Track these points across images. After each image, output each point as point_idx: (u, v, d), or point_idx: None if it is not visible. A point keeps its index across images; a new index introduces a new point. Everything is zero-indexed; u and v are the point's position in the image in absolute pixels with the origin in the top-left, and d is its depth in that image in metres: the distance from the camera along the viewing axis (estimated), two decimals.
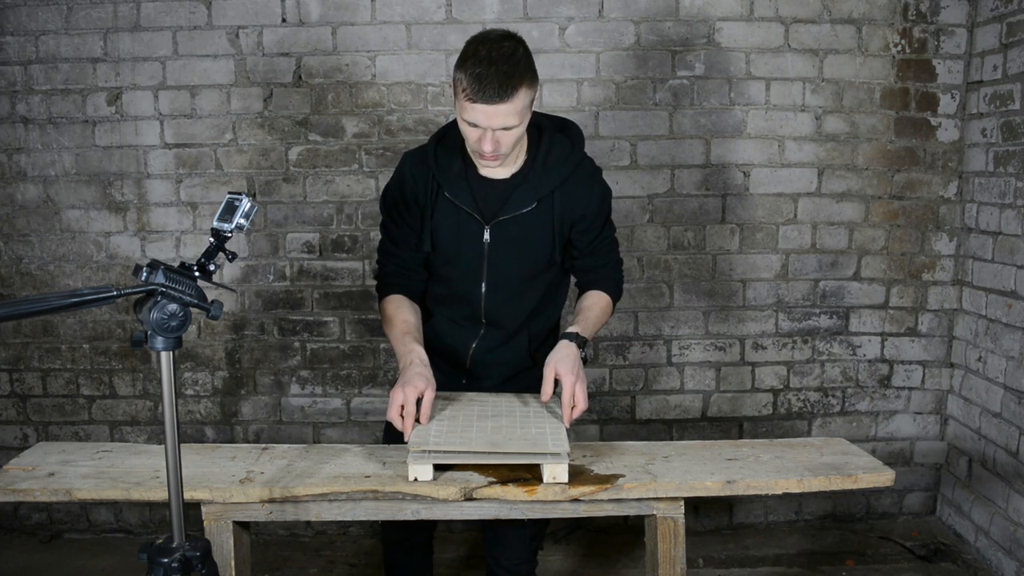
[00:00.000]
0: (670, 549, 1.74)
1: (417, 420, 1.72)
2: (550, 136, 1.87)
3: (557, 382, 1.79)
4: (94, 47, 2.89)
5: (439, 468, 1.70)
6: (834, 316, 3.09)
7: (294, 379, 3.07)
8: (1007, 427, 2.74)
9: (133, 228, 3.00)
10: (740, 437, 3.13)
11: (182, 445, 1.45)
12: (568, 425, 1.74)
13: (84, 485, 1.66)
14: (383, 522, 2.19)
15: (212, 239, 1.43)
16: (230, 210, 1.44)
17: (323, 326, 3.05)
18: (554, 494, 1.65)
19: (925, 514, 3.22)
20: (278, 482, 1.67)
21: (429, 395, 1.72)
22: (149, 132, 2.94)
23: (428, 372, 1.75)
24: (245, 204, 1.44)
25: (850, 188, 3.02)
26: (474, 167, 1.85)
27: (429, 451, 1.64)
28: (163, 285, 1.29)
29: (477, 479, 1.67)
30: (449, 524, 3.05)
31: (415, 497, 1.65)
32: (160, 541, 1.40)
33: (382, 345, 3.04)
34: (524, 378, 2.02)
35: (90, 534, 3.14)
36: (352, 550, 3.00)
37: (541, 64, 2.87)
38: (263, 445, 1.91)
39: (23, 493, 1.65)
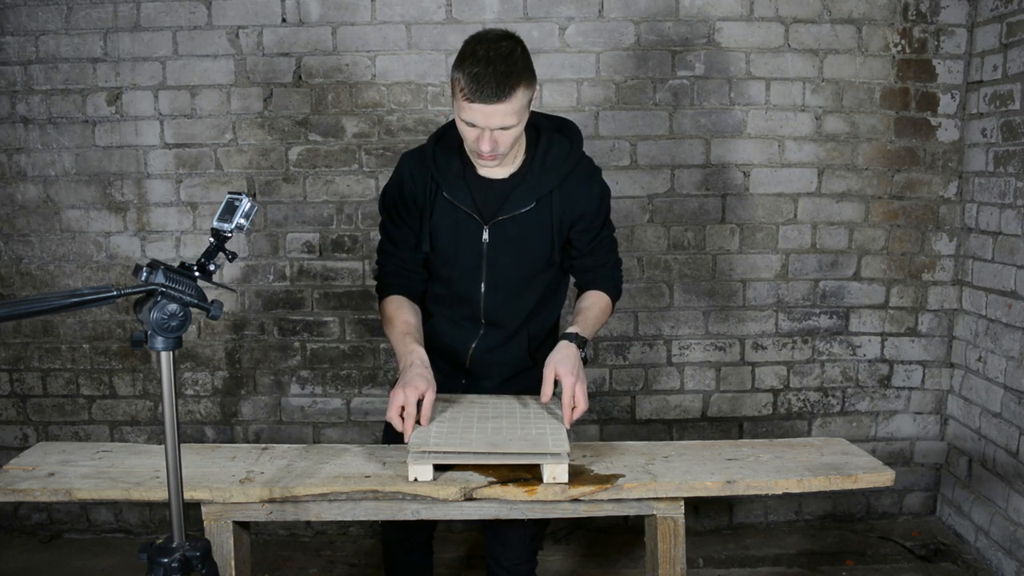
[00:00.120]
0: (670, 549, 1.74)
1: (417, 422, 1.71)
2: (548, 136, 1.87)
3: (557, 383, 1.79)
4: (94, 47, 2.89)
5: (439, 468, 1.70)
6: (834, 316, 3.09)
7: (294, 379, 3.07)
8: (1007, 427, 2.74)
9: (133, 228, 3.00)
10: (740, 437, 3.13)
11: (182, 445, 1.45)
12: (568, 426, 1.73)
13: (84, 485, 1.66)
14: (383, 522, 2.19)
15: (212, 239, 1.43)
16: (230, 210, 1.44)
17: (323, 326, 3.05)
18: (554, 494, 1.65)
19: (925, 514, 3.22)
20: (278, 482, 1.67)
21: (430, 396, 1.72)
22: (149, 132, 2.94)
23: (429, 373, 1.75)
24: (245, 204, 1.44)
25: (850, 188, 3.02)
26: (473, 167, 1.84)
27: (429, 451, 1.64)
28: (163, 285, 1.29)
29: (477, 479, 1.67)
30: (449, 524, 3.05)
31: (415, 497, 1.65)
32: (160, 541, 1.40)
33: (382, 345, 3.04)
34: (524, 378, 2.02)
35: (90, 534, 3.14)
36: (352, 550, 3.00)
37: (541, 64, 2.88)
38: (263, 445, 1.91)
39: (23, 493, 1.65)
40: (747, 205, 3.01)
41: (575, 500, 1.67)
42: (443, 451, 1.65)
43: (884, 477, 1.75)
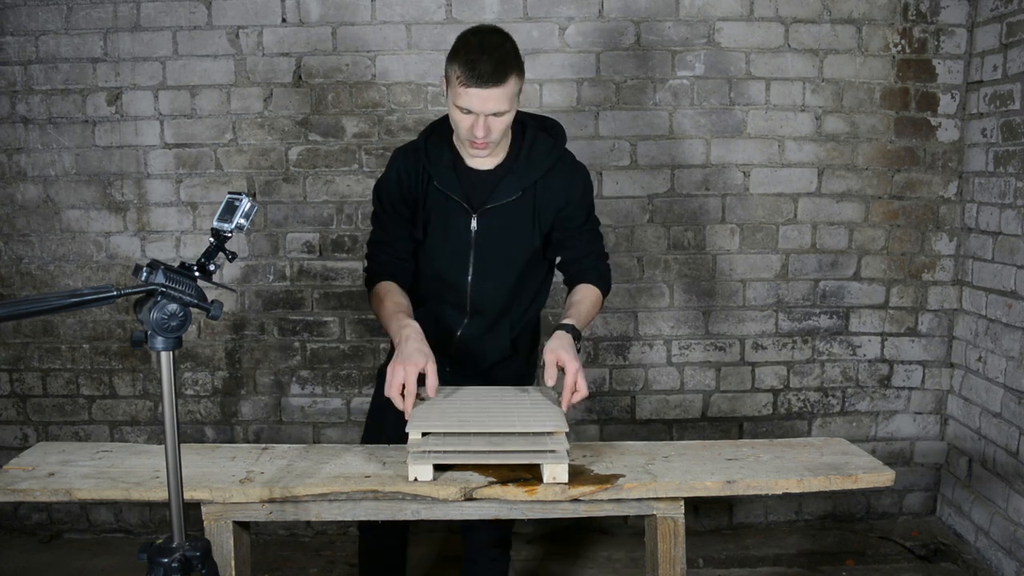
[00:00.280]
0: (670, 549, 1.74)
1: (419, 398, 1.71)
2: (533, 132, 1.95)
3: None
4: (94, 47, 2.89)
5: (439, 468, 1.70)
6: (834, 316, 3.09)
7: (294, 379, 3.07)
8: (1007, 427, 2.74)
9: (133, 228, 3.00)
10: (740, 437, 3.13)
11: (182, 445, 1.45)
12: (565, 409, 1.74)
13: (84, 485, 1.66)
14: (359, 522, 2.23)
15: (212, 239, 1.43)
16: (230, 210, 1.44)
17: (323, 326, 3.05)
18: (554, 494, 1.65)
19: (925, 514, 3.22)
20: (278, 482, 1.67)
21: (431, 369, 1.71)
22: (149, 132, 2.94)
23: (426, 347, 1.73)
24: (245, 204, 1.44)
25: (850, 188, 3.02)
26: (462, 159, 1.93)
27: (429, 451, 1.64)
28: (163, 285, 1.29)
29: (477, 479, 1.67)
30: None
31: (415, 497, 1.65)
32: (160, 541, 1.40)
33: (382, 345, 3.04)
34: (506, 367, 2.10)
35: (90, 534, 3.14)
36: (352, 550, 2.99)
37: (541, 64, 2.90)
38: (263, 445, 1.91)
39: (23, 493, 1.65)
40: (747, 205, 3.01)
41: (575, 500, 1.67)
42: (443, 451, 1.65)
43: (884, 477, 1.75)
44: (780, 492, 1.74)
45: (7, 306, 1.19)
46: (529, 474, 1.69)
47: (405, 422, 1.67)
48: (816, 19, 2.91)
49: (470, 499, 1.64)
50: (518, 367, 2.14)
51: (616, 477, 1.70)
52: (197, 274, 1.37)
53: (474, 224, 1.91)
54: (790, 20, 2.91)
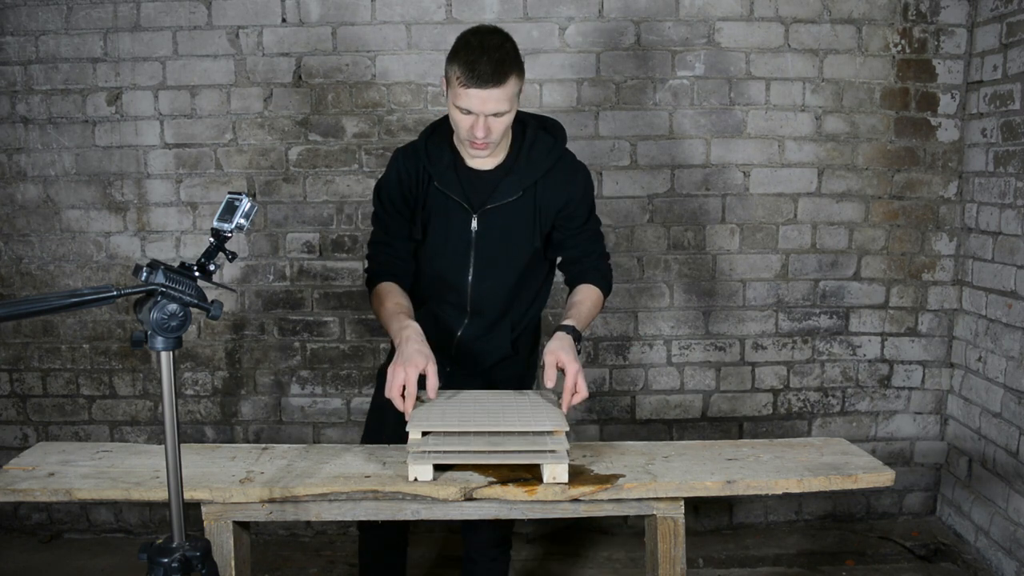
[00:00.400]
0: (670, 549, 1.74)
1: (419, 399, 1.72)
2: (533, 131, 1.94)
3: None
4: (94, 47, 2.89)
5: (439, 468, 1.70)
6: (834, 316, 3.09)
7: (294, 379, 3.07)
8: (1007, 427, 2.74)
9: (133, 228, 3.00)
10: (740, 437, 3.13)
11: (182, 445, 1.45)
12: (565, 411, 1.74)
13: (84, 485, 1.66)
14: (359, 522, 2.22)
15: (212, 239, 1.43)
16: (230, 210, 1.44)
17: (323, 326, 3.05)
18: (554, 494, 1.65)
19: (925, 514, 3.22)
20: (278, 482, 1.67)
21: (432, 370, 1.71)
22: (149, 132, 2.94)
23: (427, 348, 1.74)
24: (245, 204, 1.44)
25: (850, 188, 3.02)
26: (463, 159, 1.93)
27: (429, 451, 1.65)
28: (163, 285, 1.29)
29: (477, 479, 1.67)
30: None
31: (415, 497, 1.65)
32: (160, 541, 1.40)
33: (382, 345, 3.04)
34: (507, 367, 2.10)
35: (90, 534, 3.14)
36: (352, 550, 2.99)
37: (541, 64, 2.90)
38: (263, 445, 1.91)
39: (23, 493, 1.65)
40: (747, 205, 3.01)
41: (575, 500, 1.67)
42: (443, 451, 1.65)
43: (884, 477, 1.75)
44: (780, 492, 1.74)
45: (7, 306, 1.19)
46: (529, 474, 1.69)
47: (405, 422, 1.67)
48: (816, 19, 2.91)
49: (470, 499, 1.64)
50: (518, 367, 2.14)
51: (616, 477, 1.70)
52: (197, 274, 1.38)
53: (474, 224, 1.91)
54: (790, 20, 2.91)
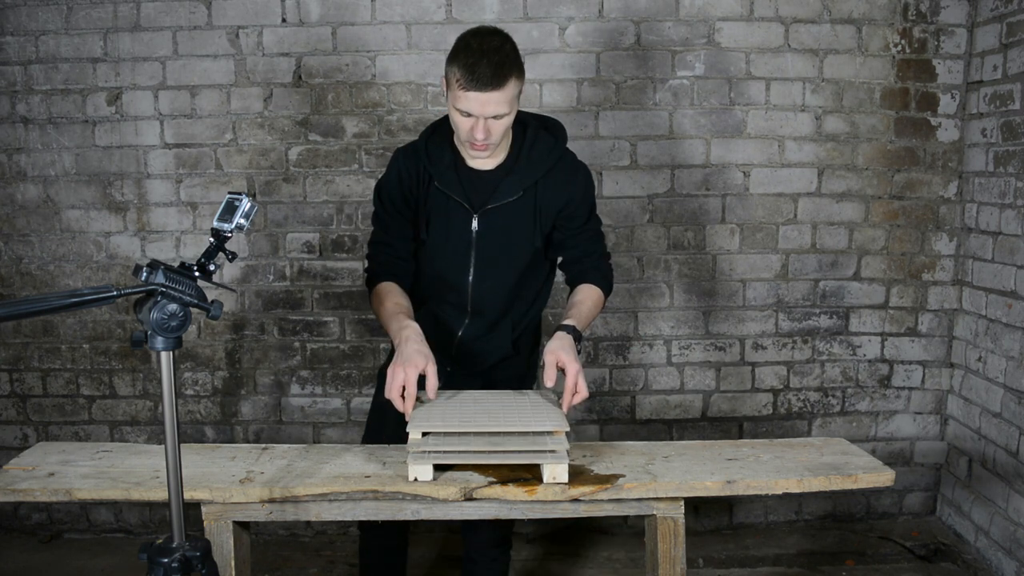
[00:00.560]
0: (670, 549, 1.74)
1: (419, 400, 1.72)
2: (534, 131, 1.94)
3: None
4: (94, 47, 2.89)
5: (439, 468, 1.70)
6: (834, 316, 3.09)
7: (294, 379, 3.07)
8: (1007, 427, 2.74)
9: (133, 228, 3.00)
10: (740, 437, 3.13)
11: (182, 445, 1.45)
12: (566, 411, 1.74)
13: (84, 485, 1.66)
14: (359, 522, 2.22)
15: (212, 239, 1.43)
16: (230, 210, 1.44)
17: (323, 326, 3.05)
18: (554, 494, 1.65)
19: (925, 514, 3.22)
20: (278, 482, 1.67)
21: (431, 370, 1.71)
22: (149, 132, 2.94)
23: (426, 348, 1.74)
24: (245, 204, 1.44)
25: (850, 188, 3.02)
26: (463, 159, 1.92)
27: (429, 451, 1.65)
28: (163, 285, 1.29)
29: (477, 479, 1.67)
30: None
31: (415, 497, 1.65)
32: (160, 541, 1.40)
33: (382, 345, 3.04)
34: (507, 367, 2.10)
35: (90, 534, 3.14)
36: (352, 550, 2.99)
37: (541, 64, 2.90)
38: (263, 445, 1.91)
39: (23, 493, 1.65)
40: (747, 205, 3.02)
41: (575, 500, 1.67)
42: (443, 451, 1.65)
43: (884, 477, 1.75)
44: (780, 492, 1.74)
45: (7, 306, 1.19)
46: (529, 474, 1.69)
47: (406, 423, 1.67)
48: (816, 19, 2.91)
49: (470, 499, 1.64)
50: (519, 367, 2.13)
51: (616, 477, 1.70)
52: (197, 274, 1.38)
53: (475, 224, 1.91)
54: (790, 20, 2.91)
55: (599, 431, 3.12)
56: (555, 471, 1.65)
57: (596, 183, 2.90)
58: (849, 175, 3.01)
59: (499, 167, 1.92)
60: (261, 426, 3.10)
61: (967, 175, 2.98)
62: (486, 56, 1.69)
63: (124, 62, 2.90)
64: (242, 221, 1.44)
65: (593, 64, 2.92)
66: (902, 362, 3.13)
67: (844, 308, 3.09)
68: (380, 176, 2.04)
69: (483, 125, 1.75)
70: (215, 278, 1.41)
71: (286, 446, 1.90)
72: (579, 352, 1.81)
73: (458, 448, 1.65)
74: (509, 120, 1.79)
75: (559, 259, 2.07)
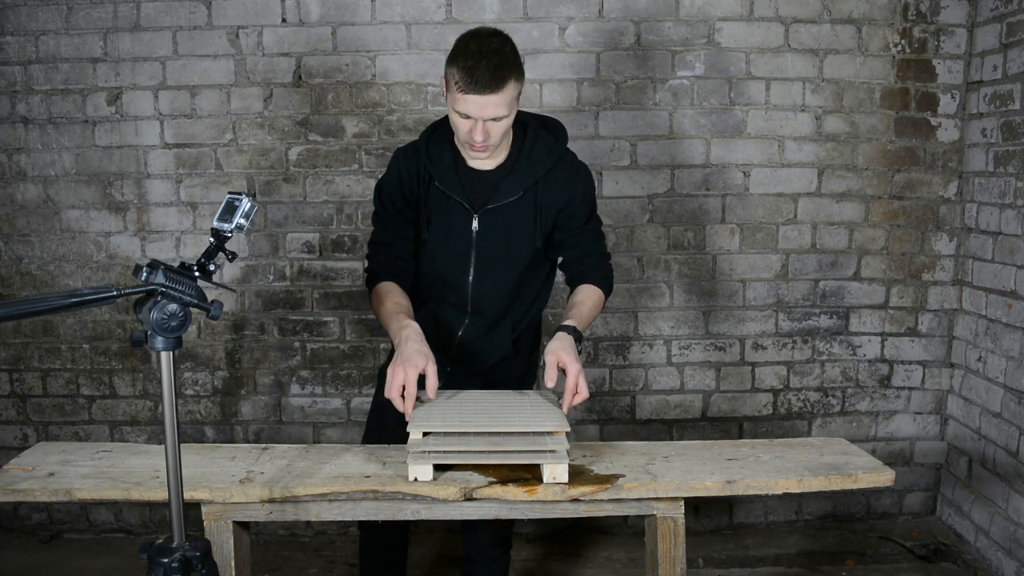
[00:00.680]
0: (670, 549, 1.74)
1: (419, 400, 1.72)
2: (535, 131, 1.94)
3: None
4: (94, 47, 2.89)
5: (439, 468, 1.70)
6: (834, 316, 3.09)
7: (294, 379, 3.07)
8: (1007, 427, 2.74)
9: (133, 228, 3.00)
10: (740, 437, 3.13)
11: (182, 445, 1.45)
12: (566, 411, 1.74)
13: (84, 485, 1.66)
14: (360, 522, 2.23)
15: (212, 239, 1.43)
16: (230, 210, 1.44)
17: (323, 326, 3.05)
18: (554, 494, 1.65)
19: (925, 514, 3.22)
20: (278, 482, 1.67)
21: (431, 370, 1.71)
22: (149, 132, 2.94)
23: (426, 347, 1.74)
24: (245, 204, 1.44)
25: (850, 188, 3.02)
26: (463, 159, 1.92)
27: (429, 451, 1.65)
28: (163, 285, 1.29)
29: (477, 479, 1.67)
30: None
31: (415, 497, 1.65)
32: (160, 541, 1.40)
33: (382, 345, 3.04)
34: (507, 367, 2.10)
35: (90, 534, 3.14)
36: (352, 550, 3.00)
37: (541, 64, 2.90)
38: (263, 445, 1.91)
39: (23, 493, 1.65)
40: (747, 205, 3.02)
41: (575, 500, 1.67)
42: (443, 451, 1.65)
43: (884, 477, 1.75)
44: (780, 492, 1.74)
45: (7, 306, 1.19)
46: (529, 474, 1.69)
47: (406, 423, 1.67)
48: (816, 19, 2.91)
49: (470, 499, 1.64)
50: (519, 367, 2.13)
51: (616, 477, 1.70)
52: (197, 274, 1.38)
53: (475, 224, 1.91)
54: (790, 20, 2.91)
55: (599, 431, 3.12)
56: (555, 471, 1.65)
57: (596, 183, 2.90)
58: (849, 175, 3.01)
59: (499, 167, 1.92)
60: (261, 426, 3.10)
61: (967, 175, 2.98)
62: (485, 58, 1.69)
63: (124, 62, 2.90)
64: (242, 221, 1.44)
65: (593, 64, 2.91)
66: (902, 362, 3.13)
67: (844, 308, 3.09)
68: (380, 176, 2.04)
69: (482, 127, 1.76)
70: (215, 278, 1.41)
71: (286, 446, 1.90)
72: (579, 352, 1.81)
73: (458, 448, 1.65)
74: (508, 122, 1.79)
75: (559, 259, 2.07)
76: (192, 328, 3.00)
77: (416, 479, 1.65)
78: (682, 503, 1.73)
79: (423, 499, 1.65)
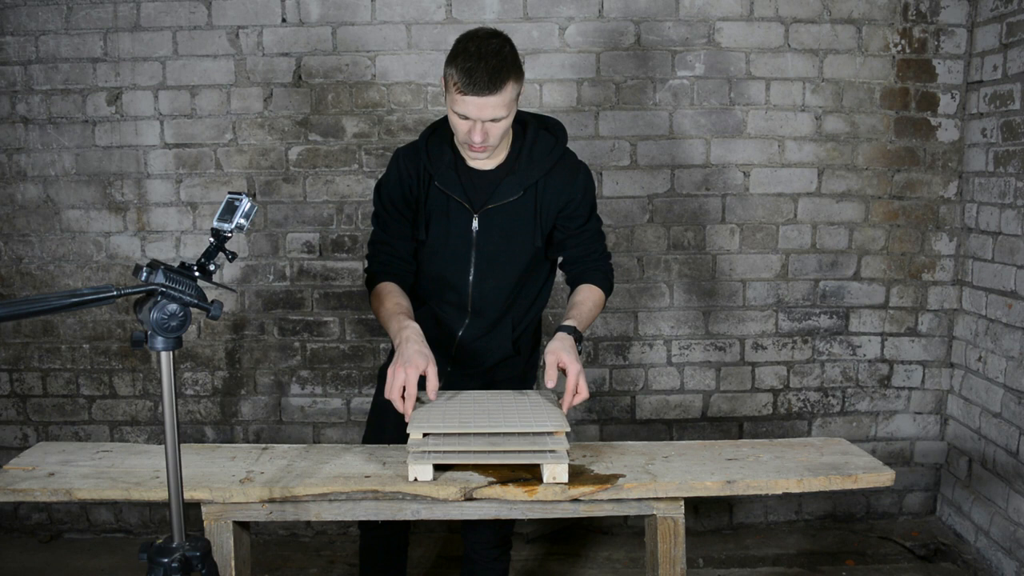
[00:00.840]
0: (670, 549, 1.74)
1: (419, 400, 1.72)
2: (534, 131, 1.94)
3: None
4: (94, 47, 2.90)
5: (439, 468, 1.70)
6: (834, 316, 3.09)
7: (294, 379, 3.07)
8: (1007, 427, 2.74)
9: (133, 228, 3.00)
10: (740, 437, 3.13)
11: (182, 445, 1.45)
12: (566, 411, 1.74)
13: (84, 485, 1.66)
14: (360, 522, 2.23)
15: (212, 239, 1.43)
16: (230, 210, 1.44)
17: (323, 326, 3.05)
18: (554, 494, 1.65)
19: (925, 514, 3.22)
20: (278, 482, 1.67)
21: (432, 370, 1.71)
22: (149, 132, 2.94)
23: (426, 348, 1.74)
24: (245, 204, 1.44)
25: (850, 188, 3.02)
26: (463, 159, 1.92)
27: (429, 451, 1.65)
28: (163, 285, 1.29)
29: (477, 479, 1.67)
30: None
31: (415, 497, 1.65)
32: (160, 541, 1.40)
33: (382, 345, 3.04)
34: (507, 367, 2.10)
35: (90, 534, 3.14)
36: (352, 550, 3.00)
37: (541, 64, 2.90)
38: (263, 445, 1.91)
39: (23, 493, 1.65)
40: (747, 205, 3.02)
41: (575, 500, 1.67)
42: (443, 451, 1.65)
43: (884, 477, 1.75)
44: (780, 492, 1.74)
45: (7, 306, 1.19)
46: (529, 474, 1.69)
47: (406, 423, 1.67)
48: (816, 19, 2.91)
49: (470, 499, 1.64)
50: (519, 367, 2.13)
51: (616, 477, 1.70)
52: (197, 274, 1.38)
53: (475, 224, 1.91)
54: (790, 20, 2.91)
55: (599, 431, 3.12)
56: (555, 471, 1.65)
57: (596, 183, 2.90)
58: (849, 175, 3.01)
59: (499, 167, 1.92)
60: (261, 426, 3.10)
61: (967, 175, 2.98)
62: (483, 60, 1.69)
63: (124, 62, 2.90)
64: (242, 221, 1.44)
65: (593, 64, 2.92)
66: (902, 362, 3.13)
67: (844, 308, 3.09)
68: (380, 176, 2.04)
69: (481, 128, 1.76)
70: (215, 278, 1.41)
71: (286, 446, 1.90)
72: (579, 352, 1.81)
73: (458, 448, 1.65)
74: (507, 123, 1.79)
75: (559, 259, 2.07)
76: (192, 328, 3.01)
77: (416, 479, 1.65)
78: (682, 503, 1.73)
79: (423, 499, 1.65)
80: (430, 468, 1.65)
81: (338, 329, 3.05)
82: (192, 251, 3.01)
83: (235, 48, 2.90)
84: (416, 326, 1.80)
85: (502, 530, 2.24)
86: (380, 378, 2.04)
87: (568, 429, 1.66)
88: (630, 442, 1.96)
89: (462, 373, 2.08)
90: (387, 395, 1.70)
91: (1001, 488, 2.77)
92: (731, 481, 1.70)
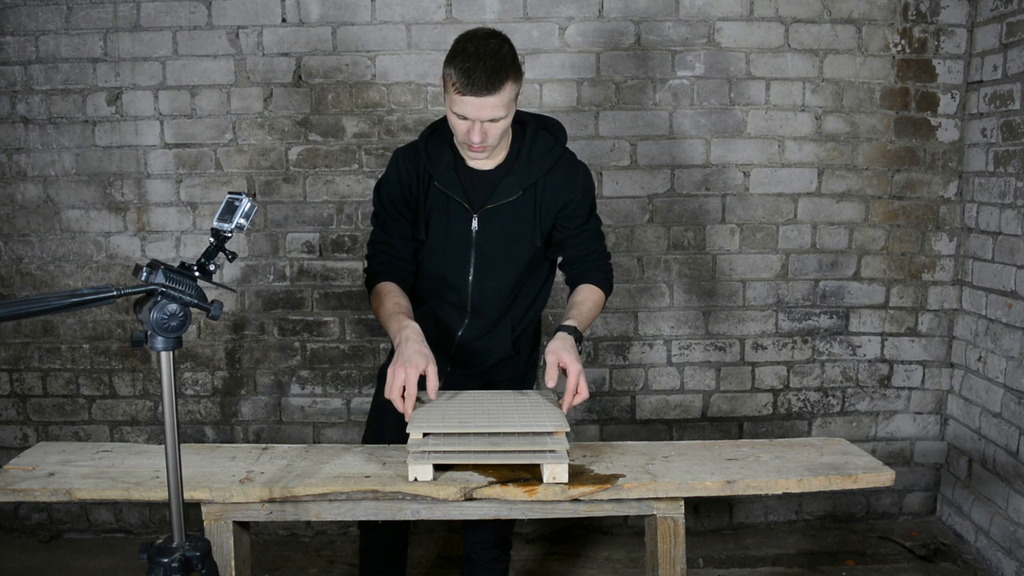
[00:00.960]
0: (670, 549, 1.74)
1: (419, 400, 1.72)
2: (534, 131, 1.94)
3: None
4: (94, 47, 2.90)
5: (439, 468, 1.70)
6: (834, 316, 3.09)
7: (294, 379, 3.07)
8: (1007, 427, 2.74)
9: (133, 228, 3.00)
10: (740, 437, 3.13)
11: (182, 445, 1.45)
12: (566, 411, 1.74)
13: (84, 485, 1.66)
14: (360, 522, 2.23)
15: (212, 239, 1.43)
16: (230, 210, 1.44)
17: (323, 326, 3.05)
18: (554, 494, 1.65)
19: (925, 514, 3.22)
20: (278, 482, 1.67)
21: (432, 370, 1.71)
22: (149, 132, 2.94)
23: (426, 348, 1.74)
24: (245, 204, 1.44)
25: (850, 188, 3.02)
26: (463, 159, 1.92)
27: (429, 451, 1.65)
28: (163, 285, 1.29)
29: (477, 479, 1.67)
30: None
31: (415, 497, 1.65)
32: (160, 541, 1.40)
33: (382, 345, 3.04)
34: (506, 367, 2.10)
35: (90, 534, 3.14)
36: (352, 550, 3.00)
37: (541, 64, 2.90)
38: (263, 445, 1.91)
39: (23, 493, 1.65)
40: (747, 205, 3.02)
41: (575, 500, 1.67)
42: (443, 451, 1.65)
43: (884, 477, 1.75)
44: (780, 492, 1.74)
45: (7, 306, 1.19)
46: (529, 474, 1.69)
47: (406, 423, 1.67)
48: (816, 19, 2.91)
49: (470, 499, 1.64)
50: (519, 367, 2.13)
51: (616, 477, 1.70)
52: (197, 274, 1.38)
53: (475, 224, 1.91)
54: (790, 20, 2.91)
55: (599, 431, 3.12)
56: (555, 471, 1.65)
57: (596, 183, 2.90)
58: (849, 175, 3.01)
59: (499, 167, 1.92)
60: (261, 426, 3.10)
61: (967, 175, 2.98)
62: (482, 60, 1.69)
63: (124, 62, 2.90)
64: (242, 221, 1.44)
65: (593, 64, 2.92)
66: (902, 362, 3.13)
67: (844, 308, 3.09)
68: (380, 176, 2.04)
69: (479, 128, 1.76)
70: (215, 278, 1.41)
71: (286, 446, 1.90)
72: (580, 352, 1.81)
73: (458, 448, 1.65)
74: (506, 123, 1.79)
75: (559, 259, 2.07)
76: (192, 328, 3.01)
77: (416, 479, 1.65)
78: (682, 503, 1.73)
79: (423, 499, 1.65)
80: (430, 468, 1.65)
81: (338, 329, 3.05)
82: (192, 251, 3.01)
83: (235, 48, 2.90)
84: (416, 326, 1.80)
85: (502, 530, 2.24)
86: (380, 378, 2.04)
87: (568, 429, 1.66)
88: (630, 442, 1.96)
89: (462, 373, 2.08)
90: (387, 395, 1.70)
91: (1001, 488, 2.77)
92: (731, 481, 1.70)
